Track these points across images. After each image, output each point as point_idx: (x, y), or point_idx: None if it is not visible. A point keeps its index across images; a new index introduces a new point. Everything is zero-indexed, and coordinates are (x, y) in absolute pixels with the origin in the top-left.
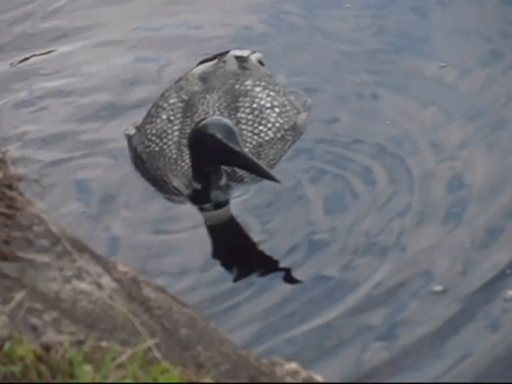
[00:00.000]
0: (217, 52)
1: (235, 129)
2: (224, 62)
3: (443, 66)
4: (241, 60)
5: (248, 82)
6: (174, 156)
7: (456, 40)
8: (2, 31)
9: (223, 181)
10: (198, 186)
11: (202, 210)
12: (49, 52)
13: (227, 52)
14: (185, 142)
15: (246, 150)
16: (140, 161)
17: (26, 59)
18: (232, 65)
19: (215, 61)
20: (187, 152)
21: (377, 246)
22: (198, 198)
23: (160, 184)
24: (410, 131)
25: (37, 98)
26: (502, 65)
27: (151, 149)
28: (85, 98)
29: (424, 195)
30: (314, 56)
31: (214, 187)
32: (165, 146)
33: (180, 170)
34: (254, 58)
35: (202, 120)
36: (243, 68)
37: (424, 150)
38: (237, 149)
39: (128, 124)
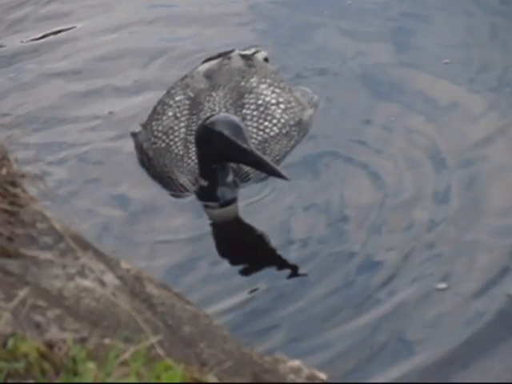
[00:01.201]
0: (221, 51)
1: (243, 126)
2: (229, 59)
3: (446, 63)
4: (246, 58)
5: (253, 80)
6: (181, 152)
7: (459, 37)
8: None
9: (230, 178)
10: (204, 182)
11: (208, 207)
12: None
13: (232, 51)
14: (191, 138)
15: (252, 145)
16: (146, 157)
17: (37, 39)
18: (237, 62)
19: (220, 59)
20: (193, 149)
21: (382, 244)
22: (205, 196)
23: (166, 181)
24: (415, 128)
25: (41, 86)
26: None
27: (157, 145)
28: (92, 91)
29: (428, 193)
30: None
31: (221, 184)
32: (171, 143)
33: (186, 166)
34: (259, 55)
35: (210, 117)
36: (249, 65)
37: (430, 146)
38: (244, 146)
39: (136, 117)
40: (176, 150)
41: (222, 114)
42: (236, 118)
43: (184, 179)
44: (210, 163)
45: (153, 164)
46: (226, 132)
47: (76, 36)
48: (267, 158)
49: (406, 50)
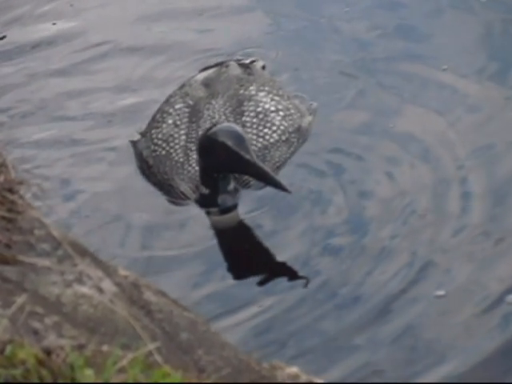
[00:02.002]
0: (219, 60)
1: (246, 136)
2: (227, 67)
3: (444, 69)
4: (244, 66)
5: (252, 87)
6: (181, 160)
7: (458, 43)
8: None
9: (231, 185)
10: (205, 190)
11: (209, 214)
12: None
13: (229, 60)
14: (191, 146)
15: (255, 156)
16: (146, 165)
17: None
18: (235, 70)
19: (217, 68)
20: (194, 156)
21: (383, 250)
22: (206, 203)
23: (167, 188)
24: (415, 135)
25: (39, 84)
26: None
27: (158, 153)
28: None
29: (429, 199)
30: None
31: (222, 192)
32: (171, 150)
33: (187, 174)
34: (257, 64)
35: (213, 126)
36: (247, 74)
37: (430, 152)
38: (247, 157)
39: (134, 125)
40: (176, 158)
41: (225, 124)
42: (239, 129)
43: (185, 187)
44: (211, 172)
45: (153, 172)
46: (229, 142)
47: (73, 33)
48: (269, 170)
49: (407, 51)
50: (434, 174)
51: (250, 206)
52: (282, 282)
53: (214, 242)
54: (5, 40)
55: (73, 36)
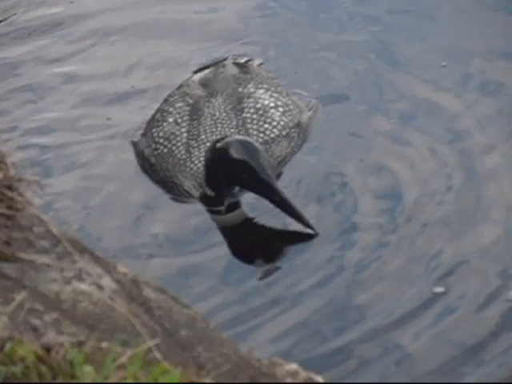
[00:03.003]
0: (213, 60)
1: (269, 159)
2: (224, 67)
3: (444, 66)
4: (240, 65)
5: (250, 85)
6: (183, 157)
7: (457, 39)
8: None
9: (237, 188)
10: (211, 193)
11: (213, 212)
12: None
13: (224, 59)
14: (193, 143)
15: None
16: (148, 164)
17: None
18: (232, 70)
19: (213, 68)
20: (196, 153)
21: (382, 247)
22: (210, 201)
23: (170, 186)
24: (414, 134)
25: (39, 90)
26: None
27: (159, 151)
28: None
29: (426, 199)
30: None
31: (228, 195)
32: (174, 148)
33: (189, 171)
34: (253, 63)
35: (234, 140)
36: (244, 72)
37: (429, 148)
38: (275, 187)
39: (136, 122)
40: (179, 155)
41: (248, 140)
42: (263, 150)
43: (188, 184)
44: (223, 183)
45: (155, 170)
46: (253, 164)
47: (75, 17)
48: (295, 203)
49: (402, 52)
50: (430, 175)
51: (253, 206)
52: (282, 282)
53: (217, 239)
54: (4, 23)
55: (75, 20)
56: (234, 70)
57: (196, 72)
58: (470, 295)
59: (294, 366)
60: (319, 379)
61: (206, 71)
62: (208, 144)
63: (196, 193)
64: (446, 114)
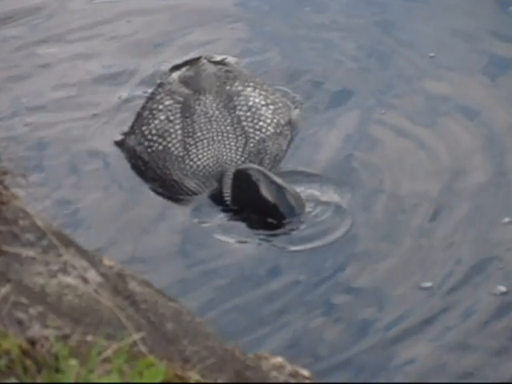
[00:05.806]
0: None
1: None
2: (204, 64)
3: (432, 56)
4: (219, 63)
5: (237, 83)
6: (181, 154)
7: (446, 33)
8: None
9: None
10: (233, 206)
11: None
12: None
13: (198, 58)
14: (189, 140)
15: (251, 145)
16: (141, 161)
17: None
18: (211, 67)
19: (194, 65)
20: (194, 151)
21: (391, 253)
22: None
23: (170, 183)
24: (404, 127)
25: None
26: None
27: (154, 148)
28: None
29: (415, 192)
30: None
31: None
32: (169, 145)
33: (189, 169)
34: (231, 60)
35: (268, 179)
36: (226, 70)
37: (420, 146)
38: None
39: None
40: (176, 152)
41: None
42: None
43: (190, 183)
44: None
45: (150, 167)
46: (281, 209)
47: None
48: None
49: (393, 42)
50: (421, 174)
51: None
52: (282, 280)
53: (213, 239)
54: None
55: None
56: (214, 68)
57: (171, 70)
58: (455, 289)
59: (279, 360)
60: (305, 373)
61: (184, 69)
62: (205, 141)
63: (200, 191)
64: (451, 103)
